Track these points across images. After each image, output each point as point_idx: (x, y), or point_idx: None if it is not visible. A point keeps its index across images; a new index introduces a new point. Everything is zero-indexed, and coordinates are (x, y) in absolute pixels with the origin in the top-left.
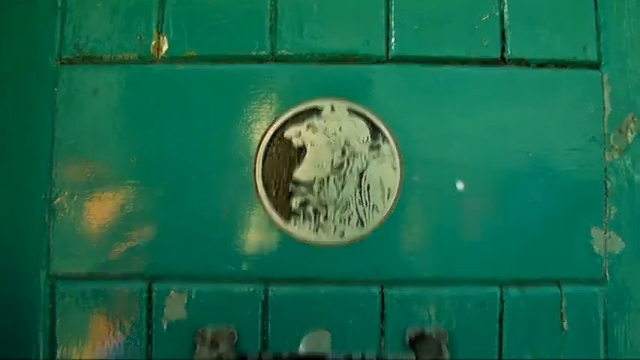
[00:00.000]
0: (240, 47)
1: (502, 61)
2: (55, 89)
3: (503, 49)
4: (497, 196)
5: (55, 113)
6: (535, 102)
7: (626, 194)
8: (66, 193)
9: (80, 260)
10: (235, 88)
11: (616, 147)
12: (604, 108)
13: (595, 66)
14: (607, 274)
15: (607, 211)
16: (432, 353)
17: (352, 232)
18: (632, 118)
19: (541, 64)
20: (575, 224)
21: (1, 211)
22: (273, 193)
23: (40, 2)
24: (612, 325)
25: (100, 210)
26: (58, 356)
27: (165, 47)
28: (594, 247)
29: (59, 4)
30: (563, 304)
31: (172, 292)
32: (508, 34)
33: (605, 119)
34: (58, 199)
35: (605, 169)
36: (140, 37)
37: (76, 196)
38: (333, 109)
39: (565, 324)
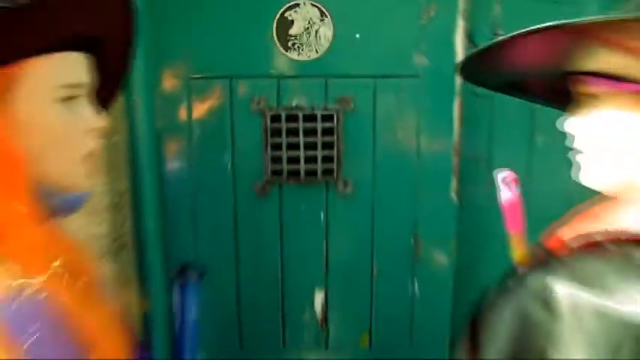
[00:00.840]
0: None
1: None
2: None
3: None
4: (374, 39)
5: None
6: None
7: (429, 40)
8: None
9: (192, 69)
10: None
11: (425, 18)
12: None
13: None
14: (420, 73)
15: (420, 47)
16: (348, 106)
17: (313, 55)
18: (433, 6)
19: None
20: (408, 53)
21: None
22: (281, 39)
23: None
24: (427, 98)
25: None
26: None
27: None
28: (415, 62)
29: None
30: (404, 85)
31: (240, 83)
32: None
33: (422, 5)
34: None
35: (419, 31)
36: None
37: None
38: (304, 4)
39: (407, 97)
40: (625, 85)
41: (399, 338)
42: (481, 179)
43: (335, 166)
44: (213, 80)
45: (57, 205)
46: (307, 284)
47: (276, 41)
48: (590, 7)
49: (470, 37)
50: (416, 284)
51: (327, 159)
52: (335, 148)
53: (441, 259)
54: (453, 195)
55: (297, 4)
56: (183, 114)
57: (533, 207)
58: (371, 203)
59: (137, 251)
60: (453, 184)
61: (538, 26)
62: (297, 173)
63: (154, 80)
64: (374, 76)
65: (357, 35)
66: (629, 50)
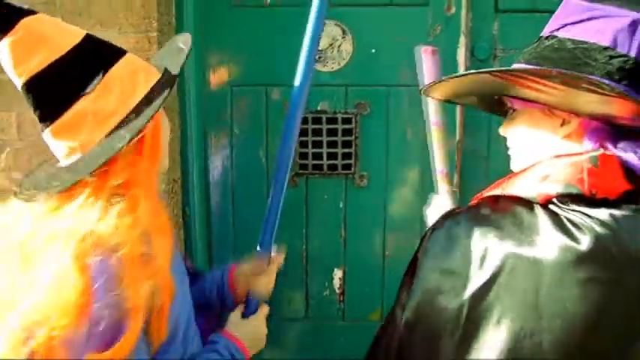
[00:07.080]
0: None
1: (390, 4)
2: None
3: None
4: (387, 53)
5: None
6: (401, 17)
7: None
8: None
9: (235, 78)
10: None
11: (431, 35)
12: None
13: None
14: None
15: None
16: (365, 110)
17: (336, 66)
18: (438, 25)
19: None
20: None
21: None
22: None
23: None
24: None
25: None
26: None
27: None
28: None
29: None
30: (413, 93)
31: (274, 90)
32: None
33: (429, 24)
34: None
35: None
36: None
37: None
38: (329, 23)
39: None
40: (530, 104)
41: None
42: (481, 174)
43: (353, 162)
44: (252, 87)
45: None
46: (328, 263)
47: None
48: None
49: (471, 52)
50: None
51: (347, 156)
52: (353, 147)
53: None
54: (455, 188)
55: (325, 23)
56: (226, 115)
57: None
58: (384, 194)
59: (184, 231)
60: (455, 178)
61: (479, 70)
62: (320, 167)
63: (202, 87)
64: (387, 85)
65: (373, 50)
66: (529, 87)
